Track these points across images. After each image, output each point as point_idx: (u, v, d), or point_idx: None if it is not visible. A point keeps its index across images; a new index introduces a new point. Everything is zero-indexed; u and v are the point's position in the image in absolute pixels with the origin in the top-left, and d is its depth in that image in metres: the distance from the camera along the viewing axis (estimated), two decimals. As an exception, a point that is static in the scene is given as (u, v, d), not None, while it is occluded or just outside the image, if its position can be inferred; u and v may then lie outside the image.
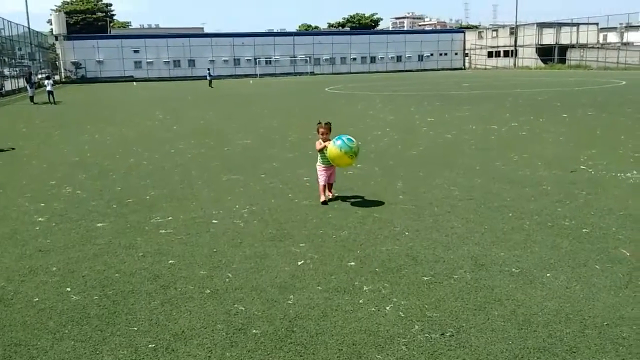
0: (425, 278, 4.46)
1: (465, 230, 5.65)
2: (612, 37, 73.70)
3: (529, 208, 6.42)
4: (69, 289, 4.46)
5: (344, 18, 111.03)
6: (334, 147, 6.60)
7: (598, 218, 5.99)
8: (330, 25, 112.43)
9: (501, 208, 6.46)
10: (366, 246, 5.27)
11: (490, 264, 4.73)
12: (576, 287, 4.23)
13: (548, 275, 4.47)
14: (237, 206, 6.92)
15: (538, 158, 9.48)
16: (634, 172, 8.23)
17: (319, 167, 7.02)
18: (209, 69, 51.44)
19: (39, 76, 47.94)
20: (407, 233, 5.63)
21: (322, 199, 6.93)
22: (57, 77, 64.10)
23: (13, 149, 12.61)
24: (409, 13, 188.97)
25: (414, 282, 4.39)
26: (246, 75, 70.23)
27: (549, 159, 9.35)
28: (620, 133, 12.19)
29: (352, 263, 4.84)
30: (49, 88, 28.99)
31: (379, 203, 6.84)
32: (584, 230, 5.60)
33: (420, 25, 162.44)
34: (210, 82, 44.75)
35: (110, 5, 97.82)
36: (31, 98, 29.63)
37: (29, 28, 53.92)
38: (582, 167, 8.71)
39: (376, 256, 4.99)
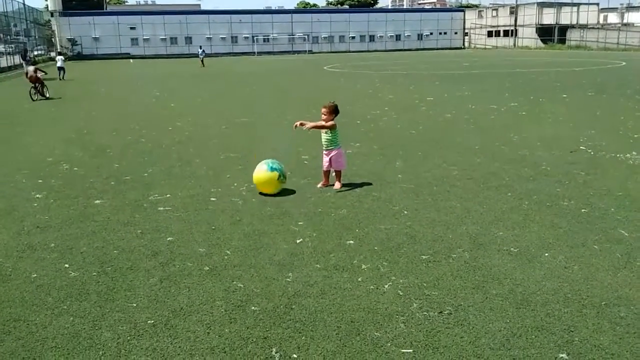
0: (424, 257, 4.46)
1: (464, 210, 5.65)
2: (613, 18, 73.23)
3: (528, 188, 6.42)
4: (67, 265, 4.45)
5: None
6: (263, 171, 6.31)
7: (597, 198, 5.99)
8: (329, 3, 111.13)
9: (500, 188, 6.45)
10: (365, 225, 5.27)
11: (489, 243, 4.73)
12: (575, 267, 4.24)
13: (546, 254, 4.48)
14: (235, 184, 6.89)
15: (537, 138, 9.46)
16: (634, 152, 8.22)
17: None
18: (201, 47, 49.32)
19: (35, 53, 47.43)
20: (406, 212, 5.63)
21: (319, 184, 6.66)
22: (52, 54, 63.52)
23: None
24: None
25: (412, 260, 4.39)
26: (244, 54, 69.67)
27: (549, 139, 9.33)
28: (619, 114, 12.15)
29: (351, 241, 4.84)
30: (59, 64, 28.93)
31: (378, 182, 6.82)
32: (582, 210, 5.60)
33: (420, 4, 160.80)
34: (202, 60, 42.31)
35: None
36: (26, 74, 29.30)
37: (24, 4, 53.20)
38: (581, 147, 8.70)
39: (375, 235, 4.99)
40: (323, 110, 6.56)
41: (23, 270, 4.39)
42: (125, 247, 4.83)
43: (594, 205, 5.77)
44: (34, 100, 18.17)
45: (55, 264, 4.49)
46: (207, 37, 70.91)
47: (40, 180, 7.29)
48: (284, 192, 6.44)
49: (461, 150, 8.60)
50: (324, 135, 6.61)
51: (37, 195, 6.57)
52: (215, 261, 4.48)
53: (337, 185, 6.59)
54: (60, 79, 28.04)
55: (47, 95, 19.25)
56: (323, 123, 6.54)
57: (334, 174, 6.69)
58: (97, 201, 6.28)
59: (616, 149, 8.46)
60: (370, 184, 6.76)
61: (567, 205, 5.79)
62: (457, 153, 8.43)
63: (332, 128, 6.53)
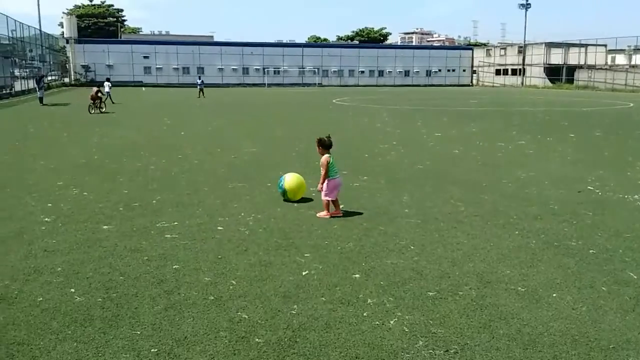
0: (431, 293, 4.43)
1: (471, 247, 5.63)
2: (620, 59, 73.76)
3: (536, 227, 6.40)
4: (73, 290, 4.45)
5: (353, 31, 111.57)
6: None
7: (605, 240, 5.96)
8: (339, 38, 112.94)
9: (507, 225, 6.44)
10: (371, 259, 5.26)
11: (496, 281, 4.71)
12: (582, 309, 4.20)
13: (554, 295, 4.45)
14: (242, 214, 6.92)
15: (545, 177, 9.46)
16: (642, 194, 8.19)
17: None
18: (200, 76, 47.42)
19: (49, 78, 48.20)
20: (412, 247, 5.62)
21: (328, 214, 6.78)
22: (66, 80, 64.56)
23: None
24: (417, 29, 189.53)
25: (419, 297, 4.37)
26: (255, 85, 70.56)
27: (556, 178, 9.33)
28: (628, 155, 12.16)
29: (357, 275, 4.83)
30: (106, 89, 30.26)
31: (385, 216, 6.82)
32: (590, 251, 5.57)
33: (428, 41, 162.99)
34: (200, 91, 39.21)
35: (122, 10, 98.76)
36: (40, 99, 29.79)
37: (40, 30, 54.37)
38: (589, 187, 8.69)
39: (381, 269, 4.97)
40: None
41: (29, 293, 4.40)
42: (131, 274, 4.83)
43: (602, 246, 5.75)
44: (90, 114, 23.17)
45: (61, 289, 4.49)
46: (219, 68, 71.98)
47: (50, 204, 7.34)
48: (291, 223, 6.45)
49: (468, 187, 8.61)
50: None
51: (46, 219, 6.61)
52: (220, 291, 4.47)
53: (322, 213, 6.82)
54: (111, 102, 29.77)
55: (103, 110, 24.36)
56: (322, 172, 6.76)
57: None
58: (105, 226, 6.31)
59: (624, 190, 8.44)
60: (377, 217, 6.76)
61: (575, 245, 5.76)
62: (464, 189, 8.44)
63: (327, 163, 6.72)
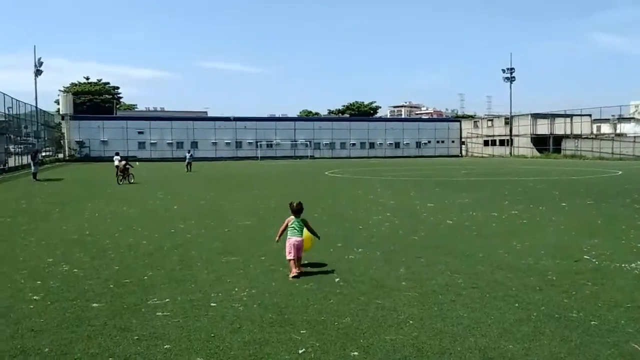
0: (432, 370, 4.28)
1: (471, 321, 5.50)
2: (606, 128, 75.68)
3: (535, 298, 6.30)
4: (59, 374, 4.27)
5: (344, 105, 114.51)
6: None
7: (606, 310, 5.86)
8: (330, 112, 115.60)
9: (507, 298, 6.33)
10: (369, 335, 5.11)
11: (499, 357, 4.57)
12: (589, 384, 4.05)
13: (559, 370, 4.30)
14: (236, 289, 6.78)
15: (541, 247, 9.42)
16: (638, 262, 8.14)
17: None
18: (189, 150, 47.06)
19: (43, 154, 48.60)
20: (411, 322, 5.48)
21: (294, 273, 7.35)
22: (60, 155, 65.06)
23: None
24: (406, 102, 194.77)
25: (420, 374, 4.21)
26: (248, 158, 71.33)
27: (552, 248, 9.29)
28: (620, 223, 12.19)
29: (355, 353, 4.67)
30: (116, 163, 31.55)
31: (382, 289, 6.71)
32: (592, 322, 5.46)
33: (417, 114, 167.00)
34: (188, 165, 38.62)
35: (118, 88, 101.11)
36: (34, 175, 29.89)
37: (36, 108, 55.41)
38: (585, 256, 8.64)
39: (380, 346, 4.83)
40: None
41: (13, 378, 4.21)
42: (120, 354, 4.66)
43: (603, 317, 5.64)
44: (119, 184, 25.69)
45: (47, 372, 4.30)
46: (213, 142, 73.10)
47: (39, 282, 7.18)
48: (286, 299, 6.31)
49: (464, 258, 8.54)
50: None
51: (35, 297, 6.44)
52: (214, 371, 4.29)
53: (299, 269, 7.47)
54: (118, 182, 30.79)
55: (132, 181, 26.87)
56: (281, 229, 7.95)
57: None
58: (95, 304, 6.15)
59: (620, 259, 8.40)
60: (374, 290, 6.65)
61: (576, 317, 5.65)
62: (460, 260, 8.36)
63: (286, 223, 7.80)
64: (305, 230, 7.88)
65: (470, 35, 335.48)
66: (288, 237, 7.60)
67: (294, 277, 7.24)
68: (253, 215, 14.09)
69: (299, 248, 7.54)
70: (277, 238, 8.00)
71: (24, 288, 6.88)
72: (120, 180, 26.57)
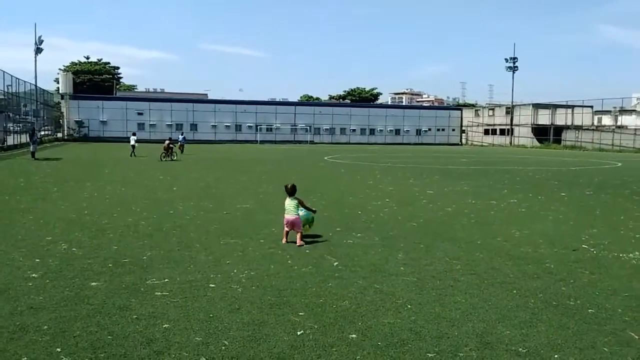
0: (430, 355, 4.30)
1: (469, 306, 5.52)
2: (607, 120, 75.57)
3: (533, 286, 6.32)
4: (59, 350, 4.28)
5: (345, 91, 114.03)
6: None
7: (603, 299, 5.88)
8: (331, 97, 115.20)
9: (504, 284, 6.35)
10: (367, 318, 5.13)
11: (496, 342, 4.59)
12: (586, 371, 4.08)
13: (556, 356, 4.33)
14: (235, 271, 6.79)
15: (539, 235, 9.44)
16: (637, 253, 8.17)
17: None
18: (182, 132, 47.55)
19: (41, 133, 48.53)
20: (409, 306, 5.50)
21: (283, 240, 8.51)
22: (59, 135, 64.87)
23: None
24: (407, 89, 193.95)
25: (418, 358, 4.24)
26: (247, 141, 71.20)
27: (550, 237, 9.31)
28: (619, 213, 12.21)
29: (354, 335, 4.69)
30: (132, 142, 34.72)
31: (380, 274, 6.72)
32: (589, 310, 5.49)
33: (418, 102, 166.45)
34: (182, 147, 38.19)
35: (118, 68, 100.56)
36: (32, 154, 29.82)
37: (35, 86, 55.11)
38: (583, 246, 8.66)
39: (378, 329, 4.84)
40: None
41: (13, 352, 4.22)
42: (119, 333, 4.67)
43: (600, 305, 5.66)
44: (161, 161, 28.80)
45: (46, 348, 4.32)
46: (212, 125, 72.87)
47: (37, 260, 7.18)
48: (284, 281, 6.33)
49: (463, 245, 8.56)
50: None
51: (33, 275, 6.44)
52: (212, 352, 4.31)
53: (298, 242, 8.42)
54: (132, 156, 33.04)
55: (175, 159, 30.11)
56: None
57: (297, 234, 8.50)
58: (94, 283, 6.15)
59: (619, 249, 8.42)
60: (372, 275, 6.66)
61: (574, 304, 5.68)
62: (458, 247, 8.38)
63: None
64: (302, 214, 8.70)
65: (473, 26, 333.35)
66: (284, 215, 8.59)
67: (286, 242, 8.45)
68: (252, 198, 14.09)
69: (292, 223, 8.48)
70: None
71: (22, 266, 6.88)
72: (163, 157, 29.80)
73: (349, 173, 23.55)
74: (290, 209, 8.57)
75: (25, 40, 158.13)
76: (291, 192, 8.77)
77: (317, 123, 77.77)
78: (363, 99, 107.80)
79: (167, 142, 31.32)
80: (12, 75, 43.44)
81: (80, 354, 4.22)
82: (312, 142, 74.04)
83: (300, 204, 8.72)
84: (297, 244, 8.32)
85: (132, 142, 34.93)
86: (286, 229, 8.57)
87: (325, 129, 78.15)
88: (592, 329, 4.98)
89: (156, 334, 4.67)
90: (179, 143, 39.01)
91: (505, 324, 5.03)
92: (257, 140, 72.15)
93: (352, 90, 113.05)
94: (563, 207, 13.18)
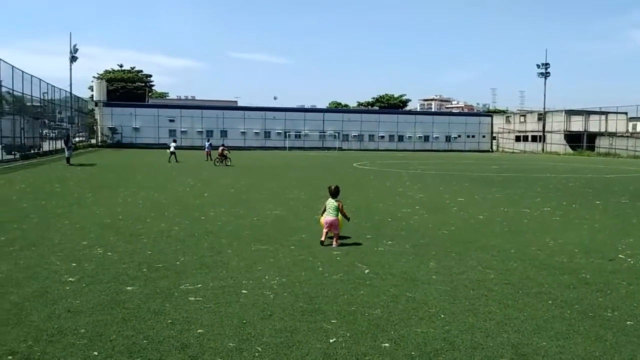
0: (464, 365, 4.25)
1: (504, 316, 5.44)
2: (642, 127, 73.66)
3: (569, 296, 6.19)
4: (96, 353, 4.37)
5: (374, 98, 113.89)
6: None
7: (643, 311, 5.72)
8: (359, 104, 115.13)
9: (540, 295, 6.24)
10: (400, 327, 5.10)
11: (532, 354, 4.51)
12: (626, 385, 3.97)
13: (594, 369, 4.23)
14: (266, 277, 6.83)
15: (574, 244, 9.25)
16: (677, 264, 7.93)
17: None
18: (209, 139, 47.31)
19: (76, 139, 49.54)
20: (442, 315, 5.45)
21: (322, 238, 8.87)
22: (93, 141, 66.29)
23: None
24: (436, 95, 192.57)
25: (452, 368, 4.19)
26: (276, 148, 71.61)
27: (586, 246, 9.11)
28: (657, 223, 11.88)
29: (386, 344, 4.66)
30: (172, 149, 35.62)
31: (412, 282, 6.68)
32: (628, 322, 5.35)
33: (447, 108, 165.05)
34: (208, 154, 37.49)
35: (150, 76, 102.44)
36: (67, 159, 30.53)
37: (70, 93, 56.48)
38: (620, 255, 8.45)
39: (411, 338, 4.81)
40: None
41: (52, 355, 4.32)
42: (154, 337, 4.74)
43: (639, 317, 5.52)
44: (216, 166, 31.03)
45: (84, 351, 4.41)
46: (242, 132, 73.57)
47: (74, 264, 7.34)
48: (316, 289, 6.33)
49: (496, 254, 8.44)
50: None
51: (70, 279, 6.59)
52: (245, 358, 4.34)
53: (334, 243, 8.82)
54: (176, 162, 33.86)
55: (229, 164, 31.70)
56: (322, 209, 9.36)
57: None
58: (129, 288, 6.26)
59: (658, 260, 8.19)
60: (404, 283, 6.62)
61: (611, 316, 5.54)
62: (491, 256, 8.26)
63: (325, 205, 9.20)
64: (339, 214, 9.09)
65: (504, 32, 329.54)
66: (324, 215, 9.01)
67: (325, 245, 8.76)
68: (282, 205, 14.15)
69: (331, 224, 8.84)
70: (319, 216, 9.58)
71: (59, 270, 7.04)
72: (217, 162, 31.98)
73: (378, 180, 23.48)
74: (331, 210, 8.94)
75: (60, 49, 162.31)
76: (334, 193, 9.15)
77: (345, 130, 77.79)
78: (392, 105, 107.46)
79: (221, 148, 32.95)
80: (47, 83, 44.65)
81: (117, 357, 4.30)
82: (340, 149, 74.07)
83: (339, 207, 9.05)
84: (333, 245, 8.70)
85: (172, 149, 35.67)
86: (325, 229, 8.92)
87: (354, 135, 78.10)
88: (631, 341, 4.85)
89: (190, 339, 4.72)
90: (206, 150, 39.41)
91: (541, 335, 4.93)
92: (285, 147, 72.52)
93: (380, 96, 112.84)
94: (598, 216, 12.90)
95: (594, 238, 9.97)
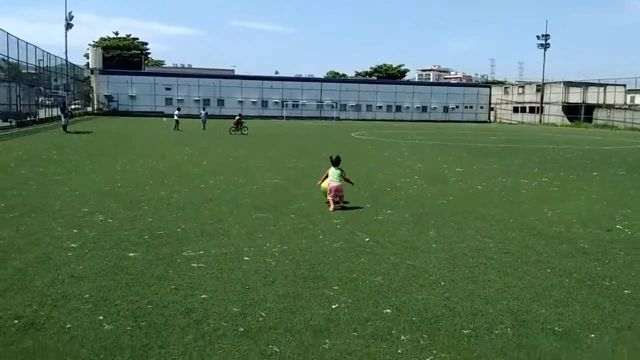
0: (465, 331, 4.32)
1: (503, 284, 5.51)
2: (640, 99, 73.48)
3: (568, 265, 6.26)
4: (101, 317, 4.41)
5: (372, 67, 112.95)
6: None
7: (639, 279, 5.80)
8: (357, 74, 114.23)
9: (538, 263, 6.30)
10: (401, 294, 5.16)
11: (532, 320, 4.58)
12: (622, 351, 4.06)
13: (592, 336, 4.31)
14: (268, 244, 6.87)
15: (572, 215, 9.31)
16: (674, 235, 8.00)
17: None
18: (204, 108, 47.28)
19: (72, 107, 49.24)
20: (442, 283, 5.51)
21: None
22: (89, 109, 65.80)
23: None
24: (435, 66, 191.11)
25: (453, 334, 4.26)
26: (273, 117, 71.26)
27: (584, 217, 9.18)
28: (654, 195, 11.95)
29: (388, 310, 4.73)
30: (176, 117, 36.57)
31: (412, 250, 6.73)
32: (625, 291, 5.43)
33: (445, 79, 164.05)
34: (203, 122, 38.57)
35: (146, 44, 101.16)
36: (64, 127, 30.33)
37: (66, 60, 55.78)
38: (617, 226, 8.52)
39: (412, 305, 4.87)
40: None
41: (57, 319, 4.36)
42: (159, 302, 4.78)
43: (636, 286, 5.59)
44: (231, 134, 31.26)
45: (89, 316, 4.45)
46: (239, 100, 73.02)
47: (75, 230, 7.37)
48: (317, 256, 6.38)
49: (494, 223, 8.50)
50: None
51: (72, 245, 6.62)
52: (249, 322, 4.40)
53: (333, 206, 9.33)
54: (176, 129, 34.04)
55: (245, 133, 31.96)
56: (322, 176, 9.95)
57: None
58: (131, 254, 6.30)
59: (655, 230, 8.26)
60: (404, 251, 6.67)
61: (609, 285, 5.62)
62: (490, 225, 8.32)
63: (326, 173, 9.77)
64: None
65: (504, 2, 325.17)
66: (328, 182, 9.46)
67: (334, 210, 9.17)
68: (281, 173, 14.15)
69: (337, 189, 9.34)
70: (318, 182, 10.11)
71: (61, 236, 7.07)
72: (233, 131, 31.96)
73: (376, 150, 23.46)
74: (334, 177, 9.47)
75: (55, 17, 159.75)
76: (335, 162, 9.69)
77: (343, 99, 77.34)
78: (390, 75, 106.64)
79: (237, 117, 33.54)
80: (43, 50, 44.01)
81: (122, 321, 4.35)
82: (338, 119, 73.77)
83: (342, 174, 9.60)
84: (332, 209, 9.20)
85: (176, 117, 36.71)
86: (330, 197, 9.37)
87: (351, 105, 77.69)
88: (628, 309, 4.93)
89: (195, 304, 4.77)
90: (202, 119, 39.41)
91: (540, 303, 5.01)
92: (283, 116, 72.16)
93: (378, 67, 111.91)
94: (596, 187, 12.96)
95: (591, 209, 10.03)
